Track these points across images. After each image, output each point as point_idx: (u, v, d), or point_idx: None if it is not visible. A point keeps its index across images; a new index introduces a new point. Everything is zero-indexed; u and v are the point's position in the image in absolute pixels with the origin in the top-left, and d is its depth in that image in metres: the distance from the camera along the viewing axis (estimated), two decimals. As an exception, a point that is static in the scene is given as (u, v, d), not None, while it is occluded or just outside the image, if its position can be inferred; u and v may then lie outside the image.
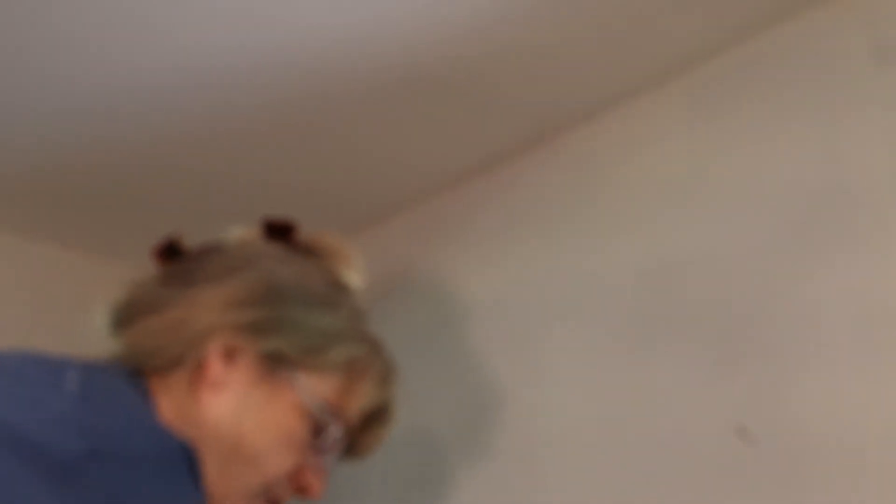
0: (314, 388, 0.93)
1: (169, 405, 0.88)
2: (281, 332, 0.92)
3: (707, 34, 1.15)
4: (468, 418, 1.34)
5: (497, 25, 1.11)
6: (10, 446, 0.70)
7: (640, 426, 1.15)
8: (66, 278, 1.53)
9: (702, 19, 1.12)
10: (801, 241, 1.06)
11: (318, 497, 0.95)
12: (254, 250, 1.00)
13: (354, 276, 1.04)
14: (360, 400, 0.96)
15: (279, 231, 1.04)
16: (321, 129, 1.30)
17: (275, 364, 0.92)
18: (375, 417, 0.99)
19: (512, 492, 1.26)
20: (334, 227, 1.55)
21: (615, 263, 1.22)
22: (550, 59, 1.17)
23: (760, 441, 1.04)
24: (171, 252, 1.02)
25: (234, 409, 0.90)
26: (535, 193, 1.34)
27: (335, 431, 0.94)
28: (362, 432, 0.99)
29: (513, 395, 1.29)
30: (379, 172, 1.41)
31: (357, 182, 1.43)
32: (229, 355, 0.91)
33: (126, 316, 0.96)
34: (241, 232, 1.04)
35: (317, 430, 0.93)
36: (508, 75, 1.20)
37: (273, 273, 0.96)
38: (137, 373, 0.90)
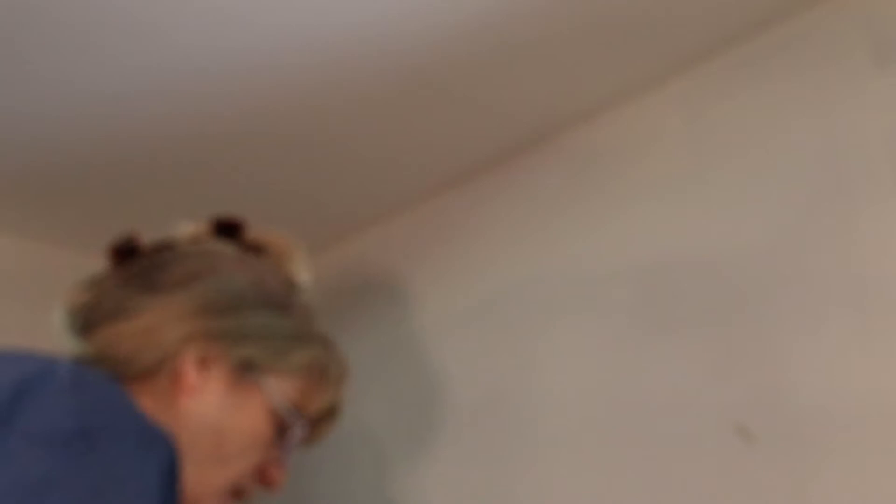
0: (281, 390, 0.98)
1: (149, 410, 0.91)
2: (249, 339, 0.98)
3: (707, 34, 1.15)
4: (468, 417, 1.34)
5: (497, 25, 1.11)
6: (20, 432, 0.75)
7: (639, 425, 1.15)
8: (65, 278, 1.53)
9: (702, 19, 1.12)
10: (800, 240, 1.06)
11: (280, 488, 1.01)
12: (210, 254, 1.04)
13: (303, 273, 1.09)
14: (320, 400, 1.02)
15: (229, 229, 1.08)
16: (319, 130, 1.30)
17: (245, 369, 0.97)
18: (328, 415, 1.05)
19: (512, 489, 1.26)
20: (333, 229, 1.56)
21: (615, 262, 1.22)
22: (550, 59, 1.17)
23: (760, 439, 1.04)
24: (128, 251, 1.04)
25: (211, 414, 0.95)
26: (534, 193, 1.34)
27: (300, 430, 1.00)
28: (314, 428, 1.05)
29: (513, 394, 1.29)
30: (378, 173, 1.41)
31: (356, 183, 1.43)
32: (203, 363, 0.96)
33: (90, 320, 0.99)
34: (191, 229, 1.07)
35: (282, 428, 0.99)
36: (508, 75, 1.20)
37: (233, 279, 1.01)
38: (114, 378, 0.93)
